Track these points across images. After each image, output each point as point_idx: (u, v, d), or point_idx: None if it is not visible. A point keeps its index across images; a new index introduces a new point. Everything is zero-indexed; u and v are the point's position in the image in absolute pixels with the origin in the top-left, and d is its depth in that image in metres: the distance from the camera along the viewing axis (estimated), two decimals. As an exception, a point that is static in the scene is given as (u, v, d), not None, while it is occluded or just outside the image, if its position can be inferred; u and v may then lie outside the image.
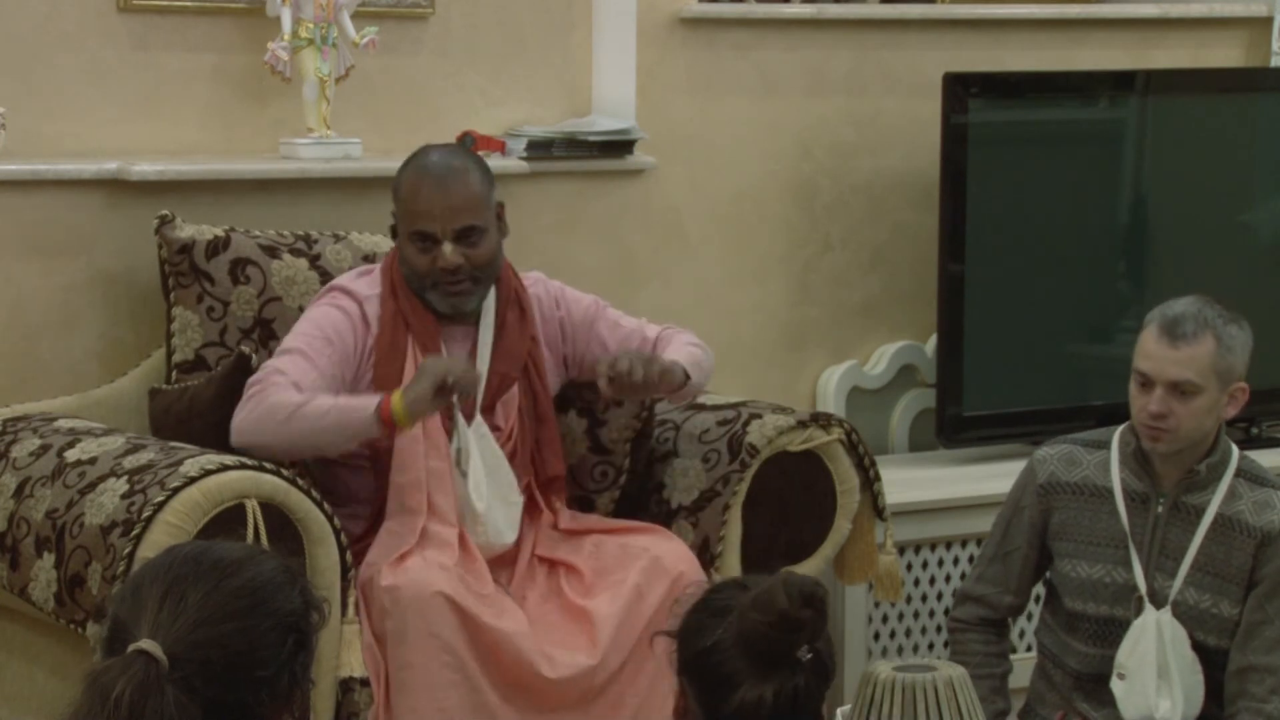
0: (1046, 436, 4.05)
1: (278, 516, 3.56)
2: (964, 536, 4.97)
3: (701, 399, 4.24)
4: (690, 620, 2.59)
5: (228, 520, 3.50)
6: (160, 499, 3.50)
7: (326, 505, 3.63)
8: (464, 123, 4.71)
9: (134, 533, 3.47)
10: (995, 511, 4.02)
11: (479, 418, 3.94)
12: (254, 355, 3.93)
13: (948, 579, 4.95)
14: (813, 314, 5.30)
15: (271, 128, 4.53)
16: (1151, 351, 3.71)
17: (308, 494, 3.60)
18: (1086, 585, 3.83)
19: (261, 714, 2.26)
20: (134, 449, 3.71)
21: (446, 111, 4.75)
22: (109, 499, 3.58)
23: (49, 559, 3.64)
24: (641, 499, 4.19)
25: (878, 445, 5.16)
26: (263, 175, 4.44)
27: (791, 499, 4.15)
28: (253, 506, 3.53)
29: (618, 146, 4.89)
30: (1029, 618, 4.66)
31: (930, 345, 5.35)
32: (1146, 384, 3.71)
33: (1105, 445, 3.86)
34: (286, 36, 4.39)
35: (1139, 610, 3.77)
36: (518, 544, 3.96)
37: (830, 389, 5.27)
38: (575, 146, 4.83)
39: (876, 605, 4.85)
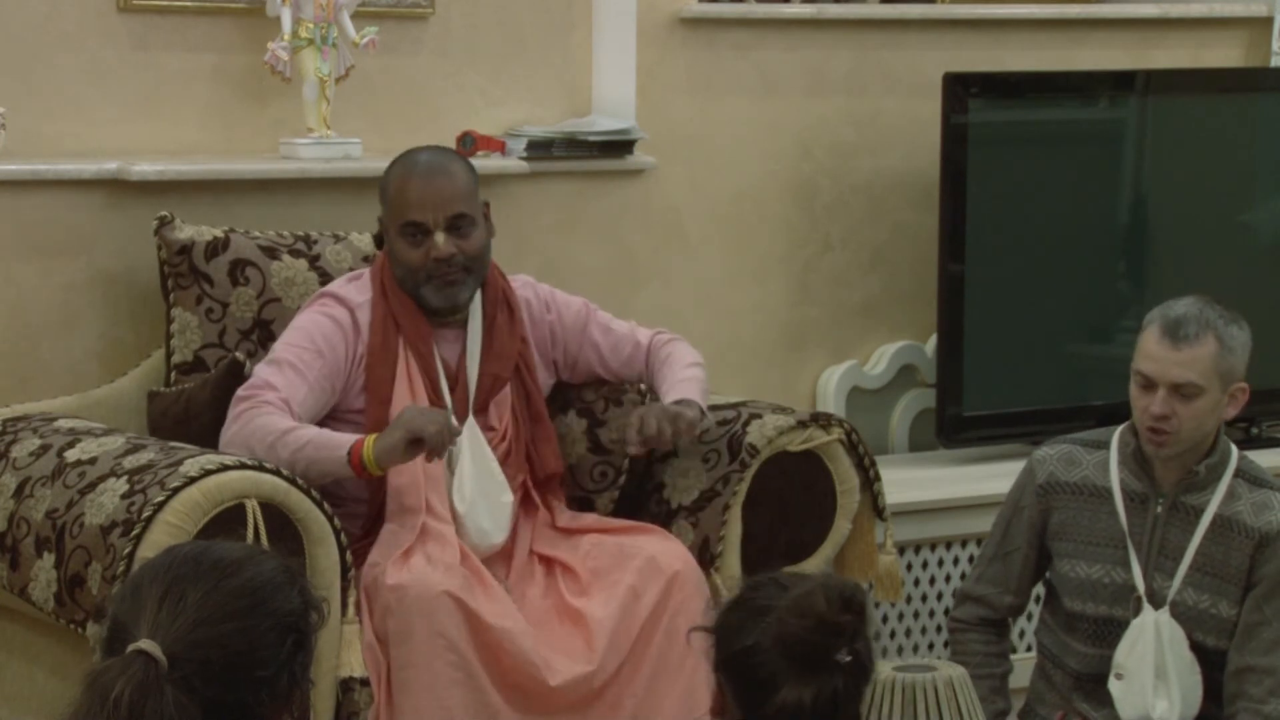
0: (1046, 436, 4.05)
1: (278, 516, 3.56)
2: (964, 536, 4.97)
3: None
4: (728, 618, 2.59)
5: (228, 520, 3.50)
6: (160, 499, 3.50)
7: (326, 505, 3.63)
8: (464, 123, 4.71)
9: (134, 533, 3.47)
10: (995, 511, 4.02)
11: (471, 419, 3.95)
12: (246, 362, 3.93)
13: (948, 579, 4.95)
14: (813, 314, 5.30)
15: (271, 128, 4.53)
16: (1153, 353, 3.70)
17: (308, 494, 3.60)
18: (1085, 585, 3.83)
19: (261, 714, 2.26)
20: (134, 449, 3.71)
21: (446, 111, 4.75)
22: (109, 499, 3.58)
23: (49, 559, 3.64)
24: (641, 499, 4.19)
25: (878, 445, 5.16)
26: (263, 175, 4.44)
27: (791, 499, 4.15)
28: (253, 506, 3.53)
29: (618, 146, 4.89)
30: (1029, 618, 4.66)
31: (930, 345, 5.35)
32: (1148, 385, 3.71)
33: (1104, 445, 3.86)
34: (286, 36, 4.39)
35: (1137, 610, 3.77)
36: (514, 541, 3.96)
37: (830, 389, 5.27)
38: (575, 146, 4.83)
39: (877, 605, 4.85)
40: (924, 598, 4.95)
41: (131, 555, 3.44)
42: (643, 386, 4.15)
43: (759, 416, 4.16)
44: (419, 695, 3.64)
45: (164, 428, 4.02)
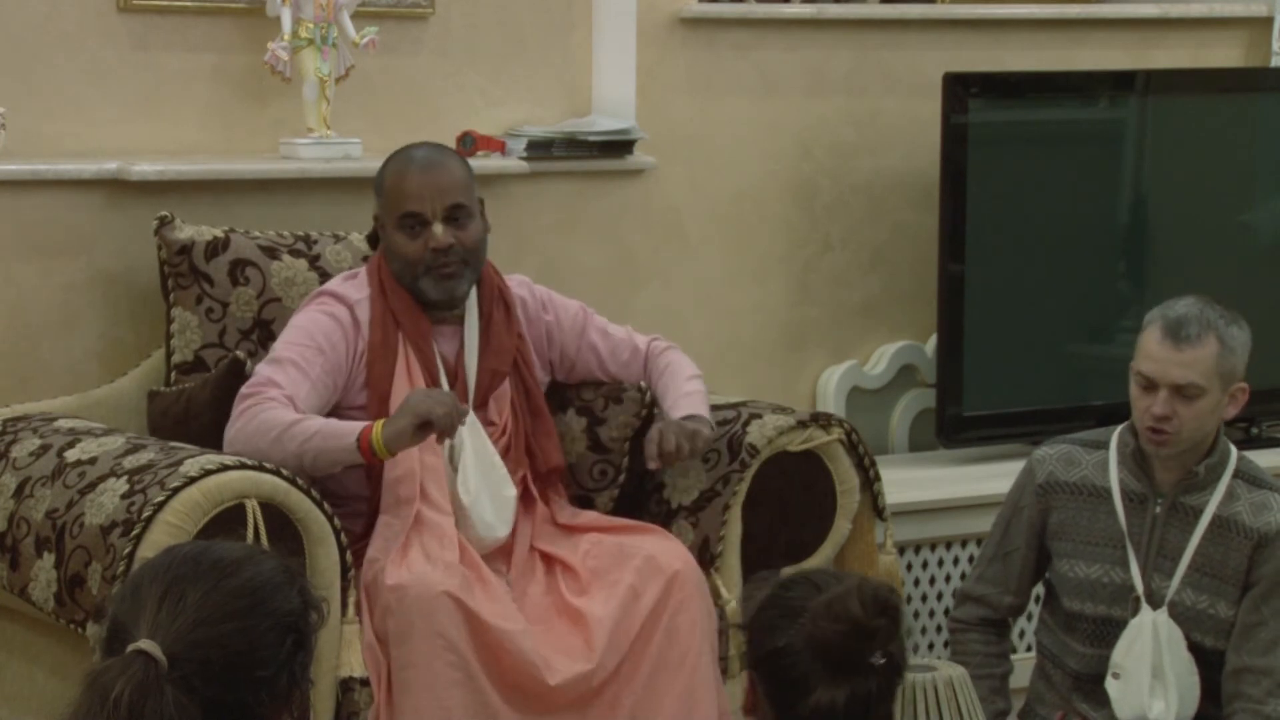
0: (1046, 436, 4.05)
1: (278, 516, 3.56)
2: (964, 536, 4.97)
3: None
4: (761, 618, 2.58)
5: (228, 520, 3.50)
6: (160, 499, 3.50)
7: (326, 505, 3.63)
8: (464, 123, 4.71)
9: (134, 533, 3.47)
10: (995, 511, 4.03)
11: (472, 414, 3.95)
12: (247, 361, 3.93)
13: (948, 579, 4.95)
14: (813, 314, 5.30)
15: (271, 128, 4.53)
16: (1155, 354, 3.70)
17: (308, 494, 3.60)
18: (1084, 585, 3.83)
19: (261, 714, 2.26)
20: (134, 449, 3.71)
21: (446, 111, 4.75)
22: (109, 499, 3.58)
23: (49, 559, 3.64)
24: (642, 499, 4.19)
25: (878, 445, 5.16)
26: (263, 175, 4.44)
27: (791, 499, 4.15)
28: (253, 506, 3.53)
29: (618, 146, 4.89)
30: (1029, 618, 4.66)
31: (930, 345, 5.35)
32: (1150, 387, 3.71)
33: (1104, 445, 3.86)
34: (286, 36, 4.39)
35: (1136, 610, 3.77)
36: (515, 536, 3.96)
37: (830, 389, 5.27)
38: (575, 146, 4.83)
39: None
40: (924, 598, 4.95)
41: (131, 555, 3.44)
42: (643, 384, 4.15)
43: (759, 416, 4.16)
44: (419, 695, 3.64)
45: (164, 428, 4.02)
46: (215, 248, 4.15)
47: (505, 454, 3.99)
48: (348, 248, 4.31)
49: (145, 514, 3.48)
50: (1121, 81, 5.47)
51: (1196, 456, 3.77)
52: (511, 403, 4.05)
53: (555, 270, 4.79)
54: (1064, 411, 5.18)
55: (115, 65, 4.41)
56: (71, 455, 3.76)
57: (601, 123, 4.87)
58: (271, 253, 4.20)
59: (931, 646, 4.93)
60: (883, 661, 2.50)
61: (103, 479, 3.64)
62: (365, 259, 4.25)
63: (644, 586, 3.83)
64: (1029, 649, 4.71)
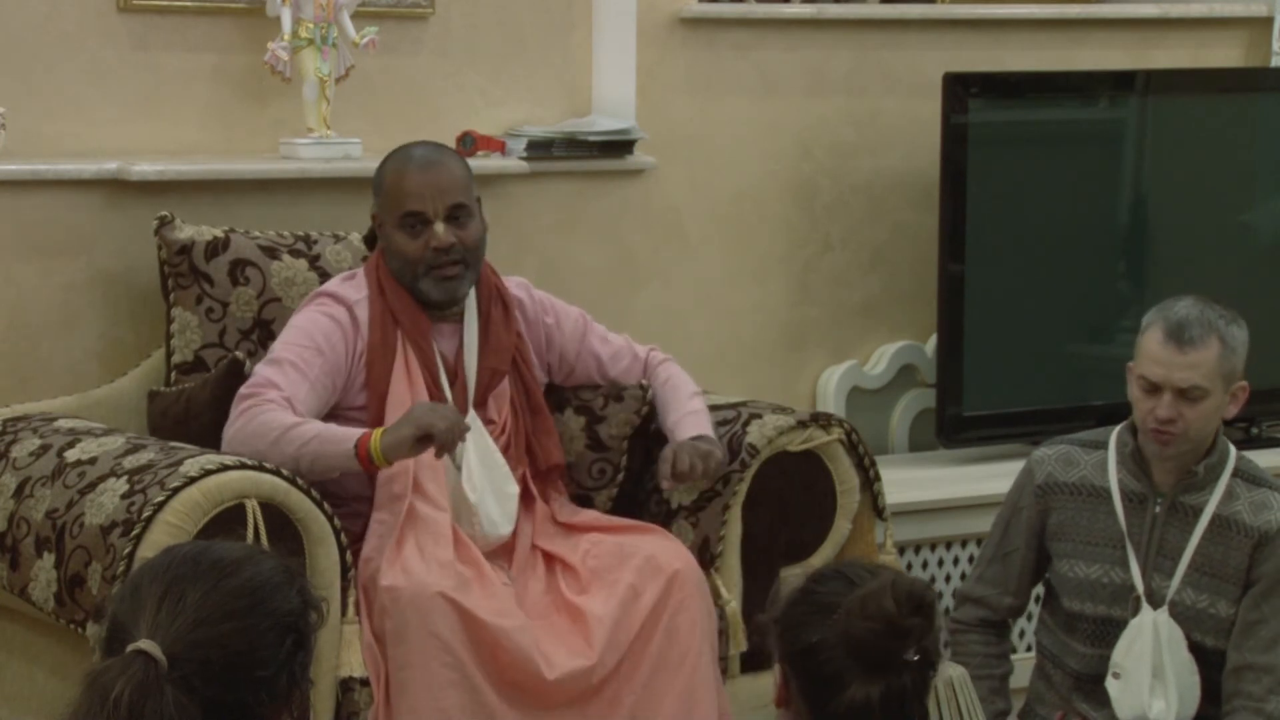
0: (1046, 436, 4.05)
1: (278, 516, 3.56)
2: (964, 536, 4.97)
3: (703, 396, 4.24)
4: (793, 613, 2.56)
5: (228, 520, 3.50)
6: (160, 499, 3.50)
7: (326, 505, 3.63)
8: (464, 123, 4.71)
9: (134, 533, 3.47)
10: (995, 511, 4.02)
11: (472, 411, 3.95)
12: (246, 361, 3.93)
13: (948, 579, 4.95)
14: (813, 314, 5.30)
15: (271, 128, 4.53)
16: (1159, 357, 3.70)
17: (308, 494, 3.60)
18: (1084, 585, 3.83)
19: (261, 714, 2.26)
20: (134, 449, 3.72)
21: (446, 111, 4.75)
22: (109, 499, 3.58)
23: (49, 559, 3.64)
24: (641, 499, 4.19)
25: (878, 445, 5.16)
26: (263, 175, 4.44)
27: (791, 499, 4.15)
28: (253, 506, 3.53)
29: (618, 146, 4.89)
30: (1029, 618, 4.66)
31: (930, 345, 5.35)
32: (1154, 390, 3.71)
33: (1103, 445, 3.86)
34: (286, 36, 4.39)
35: (1136, 610, 3.77)
36: (515, 534, 3.96)
37: (830, 389, 5.27)
38: (575, 146, 4.83)
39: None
40: (924, 598, 4.94)
41: (131, 555, 3.44)
42: (644, 382, 4.15)
43: (759, 416, 4.16)
44: (416, 695, 3.64)
45: (164, 428, 4.02)
46: (215, 248, 4.15)
47: (505, 452, 3.99)
48: (348, 248, 4.31)
49: (145, 514, 3.48)
50: (1121, 81, 5.47)
51: (1196, 456, 3.77)
52: (511, 401, 4.05)
53: (555, 270, 4.79)
54: (1064, 411, 5.18)
55: (115, 65, 4.41)
56: (71, 455, 3.76)
57: (601, 123, 4.87)
58: (271, 253, 4.20)
59: (931, 646, 4.92)
60: (917, 658, 2.49)
61: (103, 479, 3.64)
62: (364, 259, 4.25)
63: (644, 586, 3.83)
64: (1029, 649, 4.71)
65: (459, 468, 3.88)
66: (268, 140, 4.53)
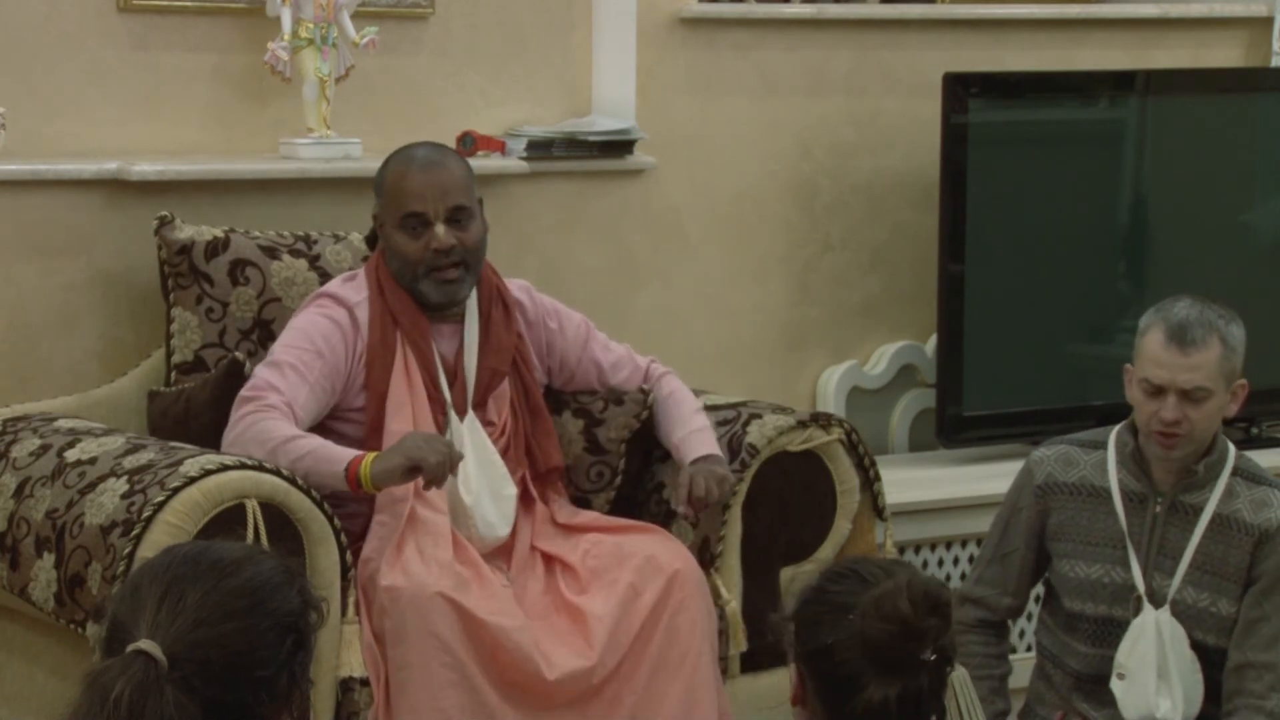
0: (1046, 436, 4.05)
1: (278, 516, 3.56)
2: (964, 536, 4.97)
3: (702, 399, 4.24)
4: (808, 613, 2.55)
5: (228, 520, 3.50)
6: (160, 499, 3.50)
7: (326, 505, 3.63)
8: (464, 123, 4.71)
9: (134, 533, 3.47)
10: (995, 511, 4.02)
11: (471, 413, 3.95)
12: (246, 361, 3.93)
13: (948, 579, 4.95)
14: (813, 314, 5.30)
15: (271, 128, 4.53)
16: (1162, 359, 3.69)
17: (308, 494, 3.60)
18: (1085, 585, 3.82)
19: (261, 714, 2.26)
20: (134, 449, 3.71)
21: (446, 111, 4.75)
22: (109, 499, 3.58)
23: (49, 559, 3.64)
24: (641, 499, 4.19)
25: (878, 445, 5.16)
26: (263, 175, 4.44)
27: (791, 499, 4.15)
28: (253, 506, 3.53)
29: (618, 146, 4.89)
30: (1029, 618, 4.66)
31: (930, 345, 5.35)
32: (1157, 392, 3.71)
33: (1102, 445, 3.86)
34: (286, 36, 4.39)
35: (1138, 610, 3.77)
36: (515, 535, 3.96)
37: (830, 389, 5.27)
38: (575, 146, 4.83)
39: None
40: (924, 598, 4.94)
41: (131, 555, 3.44)
42: (645, 386, 4.15)
43: (759, 416, 4.16)
44: (415, 695, 3.64)
45: (164, 428, 4.02)
46: (215, 248, 4.15)
47: (505, 453, 3.99)
48: (348, 248, 4.30)
49: (145, 514, 3.48)
50: (1121, 81, 5.47)
51: (1196, 455, 3.77)
52: (511, 402, 4.05)
53: (555, 270, 4.79)
54: (1064, 411, 5.18)
55: (115, 65, 4.41)
56: (71, 455, 3.76)
57: (601, 123, 4.87)
58: (271, 253, 4.20)
59: (931, 646, 4.92)
60: (934, 657, 2.48)
61: (103, 479, 3.64)
62: (364, 259, 4.25)
63: (644, 586, 3.83)
64: (1029, 649, 4.71)
65: (456, 469, 3.88)
66: (268, 140, 4.53)
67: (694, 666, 3.81)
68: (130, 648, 2.20)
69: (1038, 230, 5.30)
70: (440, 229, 3.93)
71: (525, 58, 4.86)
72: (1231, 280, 5.33)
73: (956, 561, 4.99)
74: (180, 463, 3.58)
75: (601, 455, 4.15)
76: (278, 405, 3.79)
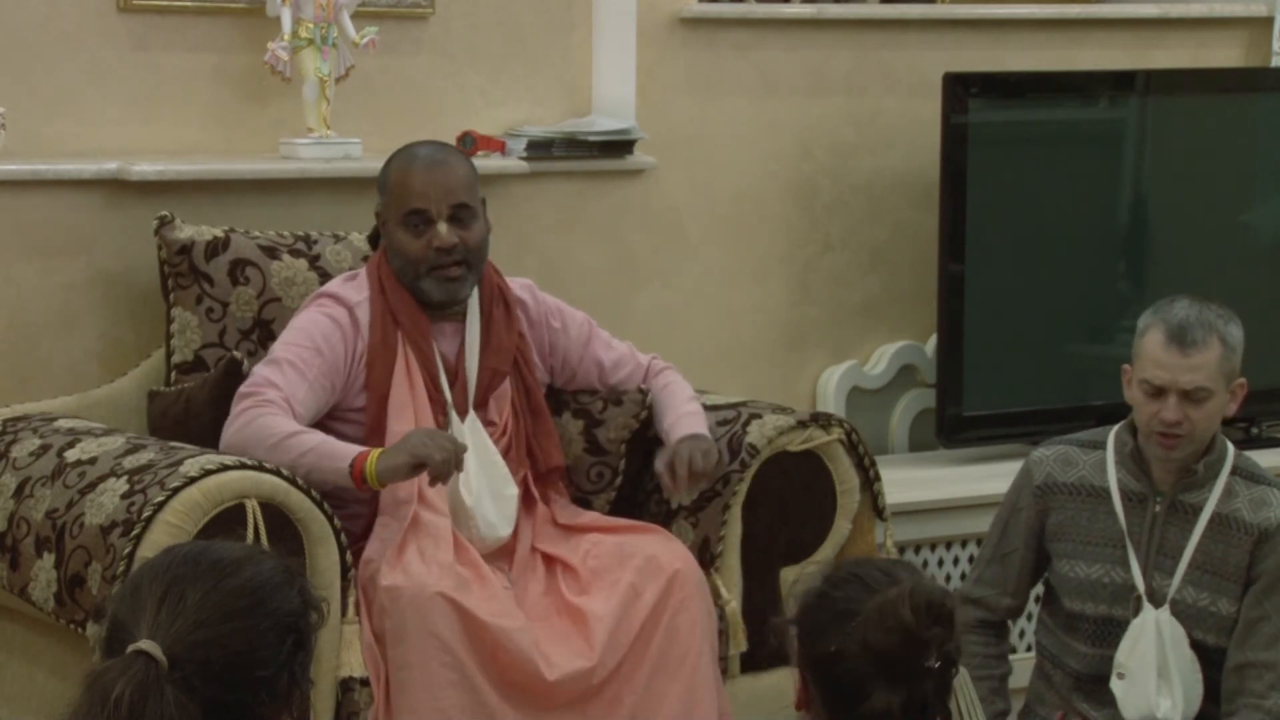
0: (1046, 436, 4.05)
1: (278, 516, 3.56)
2: (964, 536, 4.97)
3: (702, 399, 4.24)
4: (810, 618, 2.54)
5: (228, 520, 3.50)
6: (160, 499, 3.50)
7: (326, 505, 3.63)
8: (464, 123, 4.71)
9: (134, 533, 3.47)
10: (995, 512, 4.02)
11: (472, 413, 3.95)
12: (244, 360, 3.93)
13: (948, 579, 4.95)
14: (813, 314, 5.30)
15: (271, 128, 4.53)
16: (1163, 361, 3.69)
17: (308, 494, 3.60)
18: (1085, 585, 3.82)
19: (261, 714, 2.26)
20: (134, 449, 3.71)
21: (446, 111, 4.75)
22: (109, 499, 3.58)
23: (49, 559, 3.64)
24: (641, 499, 4.19)
25: (878, 445, 5.16)
26: (263, 175, 4.44)
27: (791, 499, 4.15)
28: (253, 506, 3.53)
29: (618, 146, 4.89)
30: (1029, 618, 4.66)
31: (930, 345, 5.35)
32: (1158, 393, 3.71)
33: (1101, 445, 3.86)
34: (286, 36, 4.39)
35: (1137, 610, 3.77)
36: (515, 536, 3.96)
37: (830, 389, 5.27)
38: (575, 146, 4.83)
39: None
40: (924, 598, 4.94)
41: (131, 555, 3.44)
42: (643, 386, 4.15)
43: (759, 416, 4.16)
44: (415, 695, 3.64)
45: (164, 428, 4.02)
46: (215, 247, 4.15)
47: (506, 453, 3.99)
48: (348, 248, 4.30)
49: (145, 514, 3.48)
50: (1121, 81, 5.47)
51: (1196, 455, 3.77)
52: (512, 402, 4.05)
53: (555, 270, 4.79)
54: (1064, 411, 5.18)
55: (115, 65, 4.41)
56: (71, 455, 3.76)
57: (601, 123, 4.87)
58: (271, 252, 4.20)
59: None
60: (938, 664, 2.47)
61: (103, 479, 3.64)
62: (365, 259, 4.24)
63: (644, 586, 3.83)
64: (1029, 649, 4.71)
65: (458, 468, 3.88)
66: (268, 140, 4.53)
67: (694, 667, 3.81)
68: (131, 648, 2.20)
69: (1038, 230, 5.30)
70: (443, 227, 3.93)
71: (525, 58, 4.86)
72: (1231, 280, 5.33)
73: (956, 561, 4.99)
74: (180, 463, 3.58)
75: (602, 456, 4.15)
76: (276, 401, 3.79)
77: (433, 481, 3.71)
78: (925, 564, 4.96)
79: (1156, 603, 3.77)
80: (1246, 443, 5.17)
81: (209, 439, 3.83)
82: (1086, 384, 5.33)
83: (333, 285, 4.03)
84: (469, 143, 4.62)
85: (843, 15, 5.26)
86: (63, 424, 3.96)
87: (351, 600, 3.66)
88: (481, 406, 4.00)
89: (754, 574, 4.11)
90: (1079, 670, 3.86)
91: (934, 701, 2.47)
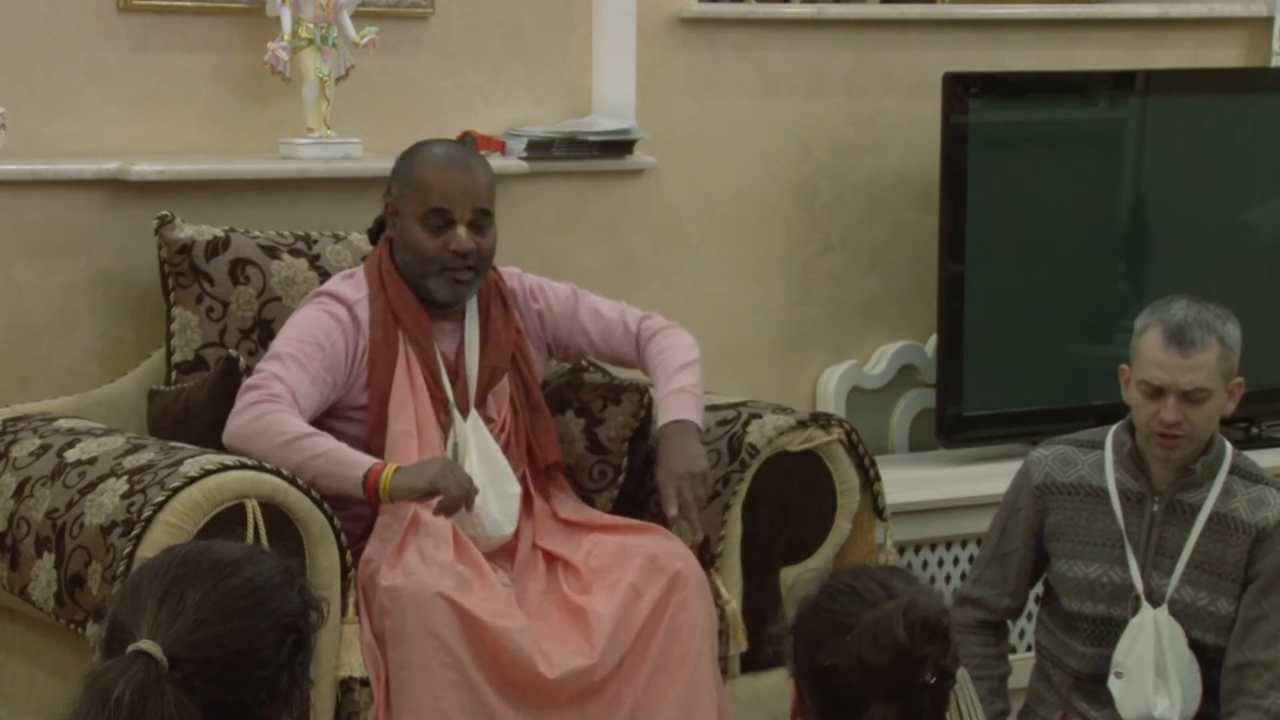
0: (1046, 436, 4.05)
1: (278, 516, 3.56)
2: (964, 536, 4.97)
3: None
4: (806, 630, 2.53)
5: (228, 520, 3.50)
6: (160, 499, 3.50)
7: (326, 505, 3.63)
8: (464, 123, 4.71)
9: (134, 533, 3.47)
10: (994, 512, 4.02)
11: (474, 412, 3.95)
12: (242, 359, 3.93)
13: (948, 579, 4.95)
14: (813, 314, 5.30)
15: (271, 128, 4.53)
16: (1162, 361, 3.70)
17: (308, 494, 3.60)
18: (1084, 585, 3.83)
19: (261, 714, 2.26)
20: (134, 449, 3.71)
21: (446, 111, 4.75)
22: (109, 499, 3.58)
23: (49, 559, 3.64)
24: (642, 499, 4.19)
25: (878, 445, 5.16)
26: (263, 175, 4.44)
27: (791, 499, 4.15)
28: (253, 506, 3.53)
29: (618, 146, 4.89)
30: (1029, 618, 4.66)
31: (930, 345, 5.35)
32: (1157, 394, 3.71)
33: (1099, 445, 3.86)
34: (286, 36, 4.39)
35: (1136, 609, 3.77)
36: (517, 534, 3.96)
37: (830, 389, 5.27)
38: (575, 146, 4.83)
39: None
40: (924, 598, 4.94)
41: (131, 555, 3.44)
42: (642, 385, 4.15)
43: (759, 416, 4.16)
44: (415, 695, 3.64)
45: (164, 427, 4.02)
46: (215, 247, 4.15)
47: (505, 450, 3.99)
48: (348, 247, 4.31)
49: (145, 514, 3.48)
50: (1121, 81, 5.47)
51: (1194, 455, 3.77)
52: (511, 399, 4.05)
53: (555, 270, 4.78)
54: (1064, 411, 5.18)
55: (115, 65, 4.41)
56: (71, 455, 3.76)
57: (601, 123, 4.87)
58: (272, 252, 4.20)
59: (931, 646, 4.92)
60: (934, 680, 2.46)
61: (103, 479, 3.64)
62: (365, 259, 4.24)
63: (645, 585, 3.83)
64: (1029, 649, 4.71)
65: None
66: (268, 140, 4.53)
67: (694, 666, 3.81)
68: (131, 648, 2.20)
69: (1038, 230, 5.30)
70: (462, 231, 3.92)
71: (525, 58, 4.86)
72: (1231, 280, 5.33)
73: (956, 561, 4.99)
74: (180, 463, 3.58)
75: (603, 454, 4.15)
76: (283, 395, 3.78)
77: (440, 512, 3.71)
78: (925, 564, 4.96)
79: (1155, 602, 3.77)
80: (1246, 443, 5.17)
81: (209, 439, 3.83)
82: (1086, 384, 5.33)
83: (331, 284, 4.03)
84: (469, 143, 4.61)
85: (843, 15, 5.26)
86: (63, 424, 3.96)
87: (351, 600, 3.66)
88: (480, 404, 4.00)
89: (754, 574, 4.11)
90: (1078, 670, 3.86)
91: (930, 715, 2.46)
